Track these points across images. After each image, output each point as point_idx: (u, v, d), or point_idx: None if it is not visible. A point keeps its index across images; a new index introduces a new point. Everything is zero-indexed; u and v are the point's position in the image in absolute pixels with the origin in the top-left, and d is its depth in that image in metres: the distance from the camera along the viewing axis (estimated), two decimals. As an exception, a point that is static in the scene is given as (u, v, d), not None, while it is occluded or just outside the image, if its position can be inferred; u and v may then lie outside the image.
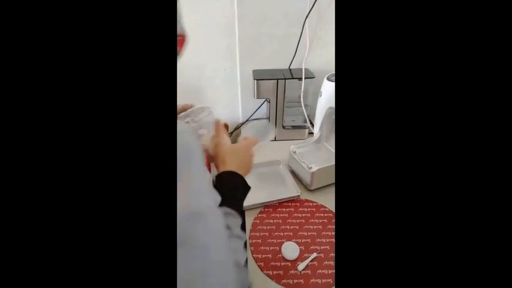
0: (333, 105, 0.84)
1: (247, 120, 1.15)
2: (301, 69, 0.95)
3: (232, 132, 1.16)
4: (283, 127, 1.02)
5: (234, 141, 1.10)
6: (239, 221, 0.40)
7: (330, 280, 0.57)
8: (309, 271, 0.59)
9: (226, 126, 1.13)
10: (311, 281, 0.57)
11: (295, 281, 0.57)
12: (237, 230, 0.38)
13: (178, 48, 0.35)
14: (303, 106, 0.95)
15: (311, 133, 1.02)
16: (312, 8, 0.92)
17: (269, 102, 0.97)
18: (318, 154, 0.88)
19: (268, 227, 0.69)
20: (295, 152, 0.83)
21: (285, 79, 0.92)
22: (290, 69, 1.01)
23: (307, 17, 0.93)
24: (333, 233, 0.67)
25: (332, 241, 0.65)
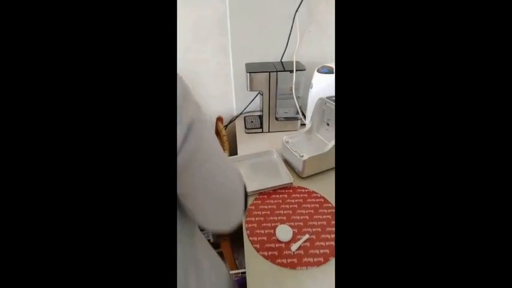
0: (324, 96, 0.87)
1: (241, 113, 1.18)
2: (293, 62, 0.98)
3: (227, 125, 1.19)
4: (276, 119, 1.05)
5: (229, 133, 1.13)
6: None
7: (321, 259, 0.61)
8: (301, 251, 0.63)
9: (221, 119, 1.16)
10: (303, 260, 0.61)
11: (289, 260, 0.61)
12: None
13: None
14: (294, 98, 0.98)
15: (303, 124, 1.06)
16: (301, 2, 0.95)
17: (262, 94, 1.00)
18: (310, 144, 0.92)
19: (263, 212, 0.72)
20: (287, 142, 0.87)
21: (277, 71, 0.95)
22: (282, 62, 1.05)
23: (297, 11, 0.96)
24: (324, 217, 0.71)
25: (323, 224, 0.69)
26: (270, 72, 0.95)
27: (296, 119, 1.06)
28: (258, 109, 1.18)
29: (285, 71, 0.96)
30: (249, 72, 0.95)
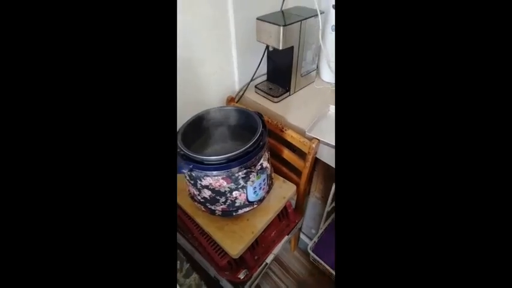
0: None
1: (252, 80, 0.98)
2: (296, 7, 0.88)
3: (238, 101, 0.97)
4: (301, 75, 0.95)
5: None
6: None
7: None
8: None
9: (233, 99, 0.94)
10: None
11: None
12: None
13: None
14: (322, 45, 0.91)
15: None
16: None
17: (270, 50, 0.86)
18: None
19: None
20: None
21: (306, 19, 0.82)
22: (283, 12, 0.91)
23: None
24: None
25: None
26: (301, 21, 0.81)
27: (313, 70, 0.99)
28: (260, 74, 1.01)
29: (309, 17, 0.84)
30: (283, 26, 0.78)
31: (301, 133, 0.80)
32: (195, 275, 0.53)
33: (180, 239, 0.68)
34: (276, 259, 1.19)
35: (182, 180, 0.77)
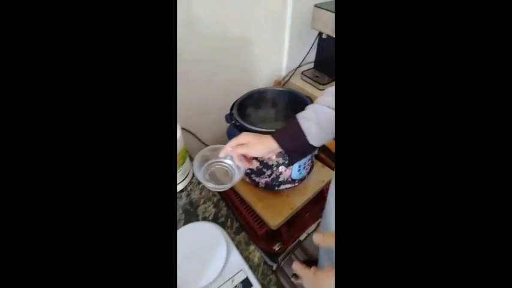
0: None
1: (299, 66, 1.01)
2: None
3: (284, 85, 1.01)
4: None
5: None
6: None
7: None
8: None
9: (279, 82, 0.97)
10: None
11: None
12: None
13: None
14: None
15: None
16: None
17: (322, 38, 0.87)
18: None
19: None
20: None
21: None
22: (338, 1, 0.92)
23: None
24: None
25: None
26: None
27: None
28: (307, 61, 1.04)
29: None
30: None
31: (346, 121, 0.83)
32: (243, 234, 0.57)
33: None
34: (300, 245, 1.22)
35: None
